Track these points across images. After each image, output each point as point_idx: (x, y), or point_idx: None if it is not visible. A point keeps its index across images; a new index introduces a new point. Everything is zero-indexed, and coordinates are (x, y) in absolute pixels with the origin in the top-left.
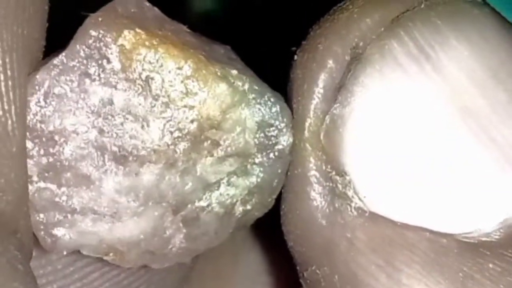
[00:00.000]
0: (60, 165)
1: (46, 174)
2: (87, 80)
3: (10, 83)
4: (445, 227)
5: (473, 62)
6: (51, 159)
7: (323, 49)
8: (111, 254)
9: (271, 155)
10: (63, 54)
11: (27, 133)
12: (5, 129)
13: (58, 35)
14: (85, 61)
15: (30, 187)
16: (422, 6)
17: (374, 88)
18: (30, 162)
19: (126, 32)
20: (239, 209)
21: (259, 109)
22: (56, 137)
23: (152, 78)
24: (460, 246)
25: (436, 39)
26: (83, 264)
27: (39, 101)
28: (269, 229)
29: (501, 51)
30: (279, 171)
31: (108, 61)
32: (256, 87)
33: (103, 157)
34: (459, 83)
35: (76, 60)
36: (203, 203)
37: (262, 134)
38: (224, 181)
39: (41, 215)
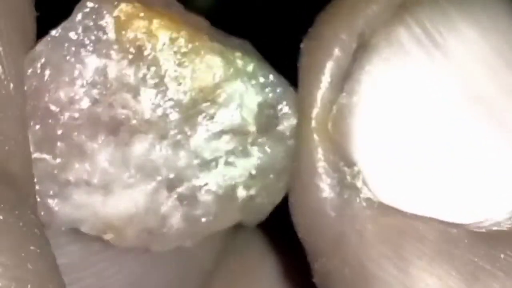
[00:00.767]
0: (55, 135)
1: (42, 145)
2: (83, 51)
3: (8, 49)
4: (455, 217)
5: (483, 47)
6: (46, 130)
7: (329, 37)
8: (109, 232)
9: (272, 137)
10: (60, 26)
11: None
12: (9, 92)
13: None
14: (81, 33)
15: None
16: None
17: (381, 77)
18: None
19: (123, 4)
20: (242, 193)
21: (261, 89)
22: (52, 107)
23: (146, 49)
24: (471, 237)
25: (445, 24)
26: (97, 259)
27: (36, 72)
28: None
29: (511, 35)
30: (282, 154)
31: (104, 32)
32: (261, 69)
33: (96, 128)
34: (469, 69)
35: (73, 32)
36: (200, 182)
37: (262, 115)
38: (222, 160)
39: (37, 186)
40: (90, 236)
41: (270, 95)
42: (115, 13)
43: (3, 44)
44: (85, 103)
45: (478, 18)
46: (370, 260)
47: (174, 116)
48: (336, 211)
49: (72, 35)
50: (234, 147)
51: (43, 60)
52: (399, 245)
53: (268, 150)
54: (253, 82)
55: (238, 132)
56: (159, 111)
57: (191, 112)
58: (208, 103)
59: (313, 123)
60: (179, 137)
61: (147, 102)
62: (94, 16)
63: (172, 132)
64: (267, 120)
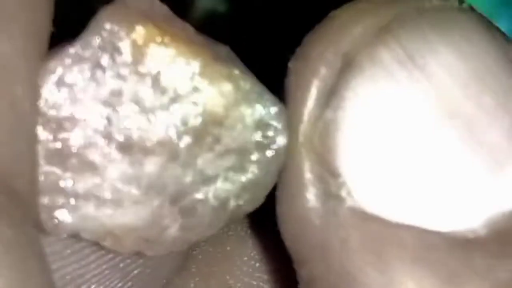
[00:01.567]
0: (67, 151)
1: (53, 159)
2: (99, 71)
3: (28, 66)
4: (434, 224)
5: (460, 68)
6: (58, 145)
7: (316, 56)
8: (108, 239)
9: (268, 153)
10: (77, 44)
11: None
12: (24, 111)
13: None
14: (97, 53)
15: None
16: (411, 14)
17: (364, 93)
18: (38, 146)
19: (138, 27)
20: (232, 203)
21: (259, 109)
22: (66, 124)
23: (162, 73)
24: (449, 243)
25: (425, 46)
26: (80, 247)
27: (51, 89)
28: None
29: (488, 57)
30: (274, 169)
31: (120, 54)
32: (257, 88)
33: (110, 146)
34: (447, 88)
35: (89, 51)
36: (200, 196)
37: (260, 133)
38: (222, 176)
39: (46, 198)
40: None
41: (267, 114)
42: (132, 36)
43: (25, 64)
44: (100, 122)
45: (457, 43)
46: (354, 266)
47: (186, 139)
48: (321, 219)
49: (88, 54)
50: (233, 164)
51: (58, 77)
52: (382, 251)
53: (263, 166)
54: (253, 103)
55: (239, 151)
56: (172, 134)
57: (201, 134)
58: (217, 127)
59: (300, 138)
60: (189, 158)
61: (161, 125)
62: (111, 38)
63: (183, 154)
64: (264, 138)
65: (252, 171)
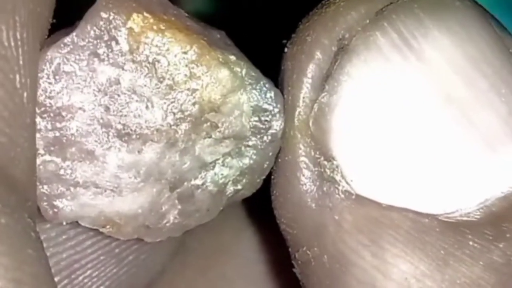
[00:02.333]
0: (66, 139)
1: (52, 148)
2: (96, 60)
3: (27, 57)
4: (427, 208)
5: (454, 52)
6: (57, 134)
7: (311, 41)
8: (108, 227)
9: (265, 138)
10: (74, 33)
11: (36, 108)
12: (21, 101)
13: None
14: (94, 42)
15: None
16: None
17: (359, 77)
18: (37, 135)
19: (135, 15)
20: (230, 188)
21: (255, 94)
22: (64, 113)
23: (158, 61)
24: (442, 226)
25: (419, 30)
26: (76, 233)
27: (48, 78)
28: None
29: (481, 41)
30: (270, 154)
31: (117, 43)
32: (253, 73)
33: (108, 134)
34: (441, 72)
35: (86, 40)
36: (198, 182)
37: (256, 118)
38: (220, 161)
39: (45, 187)
40: None
41: (263, 99)
42: (128, 24)
43: (23, 53)
44: (97, 111)
45: (450, 25)
46: (348, 248)
47: (184, 126)
48: (316, 202)
49: (85, 43)
50: (231, 149)
51: (55, 66)
52: (375, 233)
53: (260, 151)
54: (250, 88)
55: (236, 137)
56: (170, 121)
57: (198, 121)
58: (214, 113)
59: (296, 122)
60: (186, 144)
61: (159, 112)
62: (107, 26)
63: (181, 141)
64: (261, 123)
65: (249, 156)
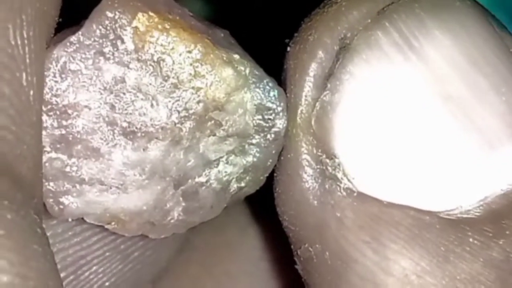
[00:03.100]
0: (72, 137)
1: (58, 145)
2: (101, 59)
3: (33, 55)
4: (428, 205)
5: (454, 51)
6: (63, 132)
7: (313, 40)
8: (113, 223)
9: (268, 136)
10: (80, 32)
11: (42, 106)
12: (28, 99)
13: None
14: (100, 41)
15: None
16: None
17: (360, 76)
18: (43, 133)
19: (140, 14)
20: (234, 186)
21: (258, 93)
22: (70, 111)
23: (163, 60)
24: (442, 223)
25: (420, 29)
26: (82, 229)
27: (55, 76)
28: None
29: (481, 41)
30: (274, 152)
31: (122, 42)
32: (256, 72)
33: (113, 132)
34: (441, 71)
35: (92, 39)
36: (202, 179)
37: (260, 117)
38: (224, 159)
39: (51, 184)
40: None
41: (266, 98)
42: (134, 23)
43: (30, 52)
44: (103, 109)
45: (452, 27)
46: (349, 245)
47: (188, 124)
48: (318, 200)
49: (91, 42)
50: (235, 147)
51: (61, 65)
52: (376, 230)
53: (264, 149)
54: (253, 87)
55: (240, 135)
56: (175, 119)
57: (202, 119)
58: (218, 111)
59: (298, 120)
60: (191, 142)
61: (163, 110)
62: (113, 25)
63: (185, 139)
64: (264, 121)
65: (253, 154)
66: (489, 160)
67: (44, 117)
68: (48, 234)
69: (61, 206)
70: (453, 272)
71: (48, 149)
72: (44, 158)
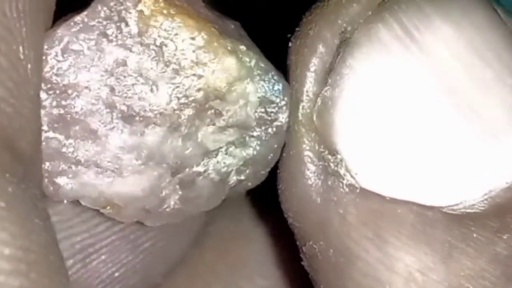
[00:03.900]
0: (70, 118)
1: (56, 125)
2: (104, 40)
3: (29, 29)
4: (431, 200)
5: (458, 42)
6: (62, 111)
7: (314, 35)
8: (108, 208)
9: (269, 130)
10: (84, 13)
11: (42, 84)
12: (25, 72)
13: None
14: (104, 22)
15: None
16: None
17: (361, 70)
18: (42, 112)
19: None
20: (233, 178)
21: (263, 85)
22: (69, 91)
23: (166, 45)
24: (446, 218)
25: (421, 20)
26: (89, 216)
27: (56, 55)
28: None
29: (486, 31)
30: (275, 146)
31: (126, 25)
32: (262, 64)
33: (112, 115)
34: (444, 62)
35: (96, 20)
36: (200, 169)
37: (262, 109)
38: (223, 150)
39: (47, 164)
40: None
41: (270, 91)
42: (139, 7)
43: (26, 25)
44: (103, 91)
45: (454, 16)
46: (352, 241)
47: (187, 111)
48: (321, 196)
49: (95, 23)
50: (235, 138)
51: (64, 45)
52: (379, 227)
53: (265, 142)
54: (258, 79)
55: (241, 126)
56: (174, 106)
57: (202, 107)
58: (219, 101)
59: (300, 116)
60: (189, 130)
61: (163, 96)
62: (118, 8)
63: (184, 126)
64: (267, 114)
65: (253, 147)
66: (493, 152)
67: (44, 95)
68: (55, 220)
69: (56, 187)
70: (457, 269)
71: (45, 128)
72: (41, 137)
